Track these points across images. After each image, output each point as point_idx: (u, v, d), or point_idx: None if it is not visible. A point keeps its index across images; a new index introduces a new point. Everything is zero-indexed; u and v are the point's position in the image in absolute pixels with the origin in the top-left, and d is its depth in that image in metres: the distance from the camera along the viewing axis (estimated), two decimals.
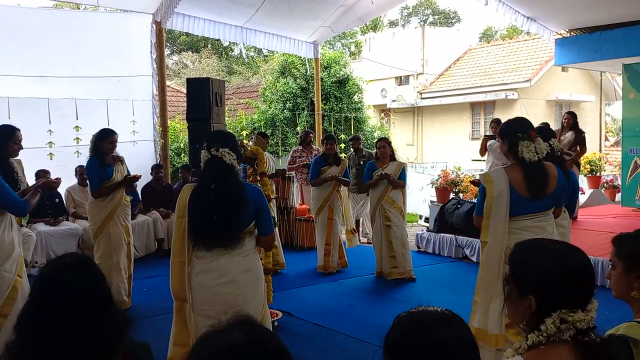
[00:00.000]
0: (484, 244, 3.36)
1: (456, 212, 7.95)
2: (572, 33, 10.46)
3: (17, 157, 4.36)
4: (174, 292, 3.12)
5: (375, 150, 7.07)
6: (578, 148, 8.84)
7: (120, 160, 5.45)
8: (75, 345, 1.32)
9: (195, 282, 3.07)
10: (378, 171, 6.58)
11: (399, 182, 6.58)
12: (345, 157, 8.44)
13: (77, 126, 8.04)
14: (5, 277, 3.65)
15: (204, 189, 3.07)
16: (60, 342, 1.32)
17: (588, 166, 11.15)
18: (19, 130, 4.23)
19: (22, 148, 4.26)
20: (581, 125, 8.91)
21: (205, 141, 3.19)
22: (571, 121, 8.83)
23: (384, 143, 6.74)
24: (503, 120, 8.57)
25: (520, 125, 3.43)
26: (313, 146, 9.10)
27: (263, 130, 14.87)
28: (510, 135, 3.37)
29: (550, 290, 1.51)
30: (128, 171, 5.57)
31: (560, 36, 10.64)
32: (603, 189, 11.23)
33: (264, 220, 3.18)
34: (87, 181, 5.51)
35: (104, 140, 5.26)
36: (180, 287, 3.10)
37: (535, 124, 9.84)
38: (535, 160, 3.28)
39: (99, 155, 5.24)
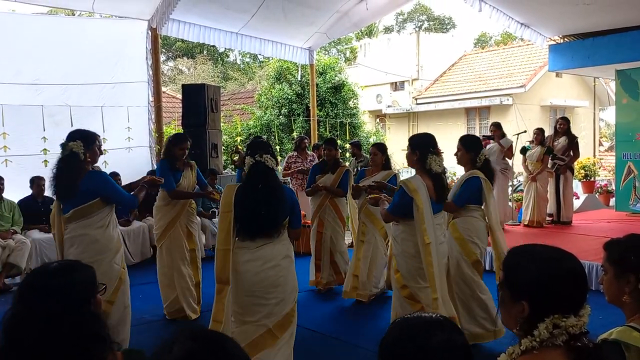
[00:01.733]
0: (429, 245, 3.82)
1: None
2: (565, 39, 10.54)
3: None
4: (218, 275, 3.60)
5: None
6: (571, 153, 8.90)
7: (190, 165, 5.47)
8: (45, 348, 1.33)
9: (244, 268, 3.55)
10: (364, 180, 5.79)
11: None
12: (349, 163, 7.81)
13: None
14: (115, 269, 4.09)
15: (251, 188, 3.56)
16: (32, 346, 1.33)
17: (582, 171, 11.22)
18: (99, 135, 4.34)
19: (102, 154, 4.39)
20: (575, 131, 8.98)
21: (248, 149, 3.75)
22: (565, 126, 8.90)
23: (375, 150, 5.93)
24: (502, 125, 8.70)
25: (431, 141, 4.06)
26: (308, 152, 9.10)
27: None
28: (423, 148, 3.97)
29: (542, 295, 1.52)
30: (200, 175, 5.60)
31: (554, 42, 10.72)
32: (597, 193, 11.29)
33: (296, 215, 3.74)
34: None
35: (176, 146, 5.30)
36: (223, 272, 3.58)
37: (530, 129, 9.92)
38: (439, 172, 3.94)
39: (170, 158, 5.29)
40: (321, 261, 6.33)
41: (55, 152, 7.87)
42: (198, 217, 7.13)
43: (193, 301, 5.42)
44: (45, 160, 7.83)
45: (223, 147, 9.99)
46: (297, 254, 8.18)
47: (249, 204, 3.53)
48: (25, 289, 1.52)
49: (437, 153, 3.98)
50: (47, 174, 7.40)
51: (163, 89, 11.09)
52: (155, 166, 8.83)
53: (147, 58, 8.80)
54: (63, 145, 4.04)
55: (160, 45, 9.16)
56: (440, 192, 3.96)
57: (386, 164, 5.94)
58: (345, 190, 6.31)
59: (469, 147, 4.58)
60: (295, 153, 8.95)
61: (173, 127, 13.57)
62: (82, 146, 3.95)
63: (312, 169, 6.66)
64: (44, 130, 7.75)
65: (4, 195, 6.96)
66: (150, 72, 8.86)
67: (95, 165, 4.79)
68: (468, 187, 4.48)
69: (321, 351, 4.65)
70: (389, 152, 6.53)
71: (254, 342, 3.53)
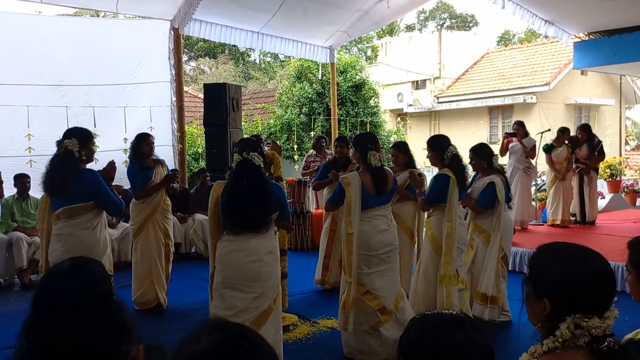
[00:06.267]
0: (351, 235, 4.08)
1: None
2: (590, 36, 10.36)
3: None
4: (212, 264, 3.80)
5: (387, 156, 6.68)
6: (595, 153, 8.75)
7: (160, 162, 5.65)
8: (69, 352, 1.34)
9: (227, 259, 3.60)
10: None
11: (405, 191, 5.43)
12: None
13: (94, 134, 8.12)
14: None
15: (238, 185, 3.61)
16: (54, 351, 1.34)
17: (608, 170, 11.02)
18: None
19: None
20: (601, 130, 8.85)
21: (237, 146, 3.80)
22: (584, 137, 8.76)
23: (395, 152, 5.65)
24: (526, 123, 8.61)
25: (370, 139, 4.38)
26: (327, 150, 9.09)
27: (279, 135, 14.94)
28: (362, 146, 4.26)
29: (563, 294, 1.49)
30: (169, 171, 5.73)
31: (578, 39, 10.54)
32: (623, 193, 11.09)
33: (284, 209, 3.81)
34: (129, 184, 5.67)
35: (141, 143, 5.49)
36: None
37: (554, 127, 9.77)
38: (379, 166, 4.20)
39: (139, 158, 5.46)
40: (330, 260, 6.12)
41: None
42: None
43: (164, 292, 5.58)
44: None
45: None
46: (302, 249, 8.27)
47: (235, 201, 3.57)
48: (34, 296, 1.50)
49: (377, 149, 4.25)
50: None
51: (185, 88, 11.16)
52: (176, 165, 8.92)
53: (169, 58, 8.87)
54: (58, 143, 4.09)
55: (182, 46, 9.22)
56: (379, 185, 4.18)
57: (410, 162, 5.61)
58: None
59: (435, 147, 4.69)
60: (314, 152, 8.94)
61: (195, 126, 13.67)
62: (77, 144, 4.03)
63: (323, 167, 6.54)
64: None
65: (30, 193, 7.09)
66: (173, 72, 8.92)
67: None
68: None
69: (341, 350, 4.57)
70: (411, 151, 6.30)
71: None
